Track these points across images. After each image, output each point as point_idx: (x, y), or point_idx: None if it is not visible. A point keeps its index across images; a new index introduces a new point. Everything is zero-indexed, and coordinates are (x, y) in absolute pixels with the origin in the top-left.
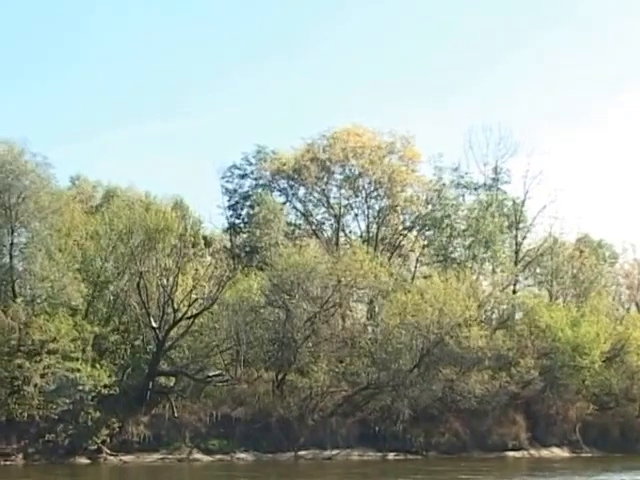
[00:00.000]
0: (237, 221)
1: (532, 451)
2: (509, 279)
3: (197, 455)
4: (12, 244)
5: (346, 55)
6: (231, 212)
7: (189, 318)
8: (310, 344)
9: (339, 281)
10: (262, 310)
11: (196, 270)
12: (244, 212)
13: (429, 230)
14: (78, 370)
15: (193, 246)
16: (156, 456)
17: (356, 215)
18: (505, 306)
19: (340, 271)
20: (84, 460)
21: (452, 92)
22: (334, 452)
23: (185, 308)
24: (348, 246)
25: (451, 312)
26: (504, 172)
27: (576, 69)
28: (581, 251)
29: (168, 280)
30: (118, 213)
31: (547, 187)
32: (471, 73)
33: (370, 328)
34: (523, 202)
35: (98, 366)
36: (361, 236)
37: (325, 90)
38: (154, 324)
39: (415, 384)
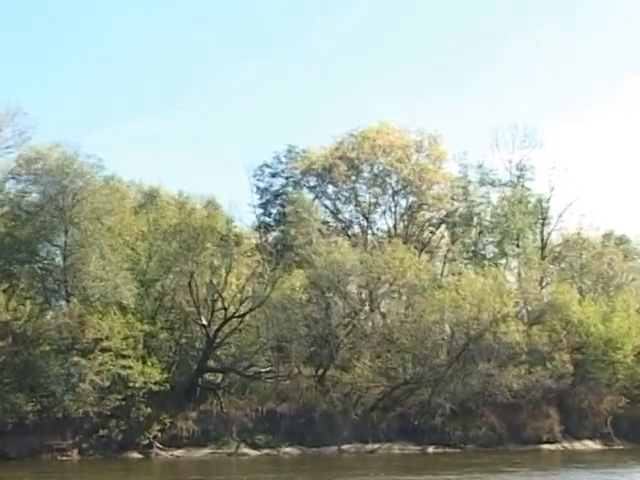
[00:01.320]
0: (267, 219)
1: (565, 444)
2: (540, 275)
3: (245, 450)
4: (66, 244)
5: (344, 50)
6: (262, 210)
7: (240, 316)
8: (350, 340)
9: (379, 278)
10: (303, 307)
11: (237, 269)
12: (275, 210)
13: (459, 227)
14: (130, 367)
15: (237, 245)
16: (205, 451)
17: (384, 212)
18: (538, 302)
19: (380, 268)
20: (136, 455)
21: (449, 88)
22: (375, 446)
23: (236, 306)
24: (376, 243)
25: (489, 308)
26: (528, 169)
27: (575, 60)
28: (605, 246)
29: (218, 278)
30: (163, 213)
31: (572, 183)
32: (470, 67)
33: (409, 324)
34: (549, 199)
35: (149, 363)
36: (389, 233)
37: (329, 87)
38: (204, 322)
39: (454, 379)
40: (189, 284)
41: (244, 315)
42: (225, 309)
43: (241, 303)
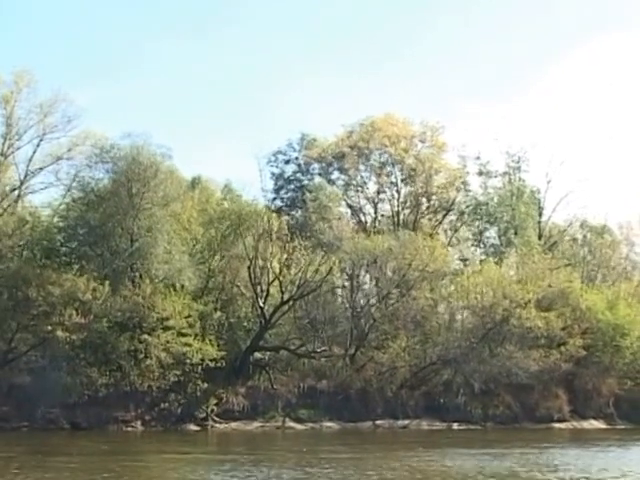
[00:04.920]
0: (280, 204)
1: (574, 423)
2: (544, 264)
3: (291, 423)
4: (135, 229)
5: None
6: (274, 195)
7: (296, 299)
8: (382, 322)
9: (409, 264)
10: (337, 290)
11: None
12: (287, 195)
13: (467, 216)
14: (189, 345)
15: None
16: (256, 424)
17: (390, 200)
18: (548, 289)
19: (411, 255)
20: (193, 427)
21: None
22: (405, 422)
23: (291, 289)
24: (385, 229)
25: (511, 294)
26: (523, 161)
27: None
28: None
29: (264, 262)
30: (209, 199)
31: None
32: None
33: (437, 308)
34: (546, 190)
35: (207, 341)
36: (393, 220)
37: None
38: (261, 304)
39: (477, 361)
40: (248, 268)
41: (299, 298)
42: (282, 292)
43: (298, 287)
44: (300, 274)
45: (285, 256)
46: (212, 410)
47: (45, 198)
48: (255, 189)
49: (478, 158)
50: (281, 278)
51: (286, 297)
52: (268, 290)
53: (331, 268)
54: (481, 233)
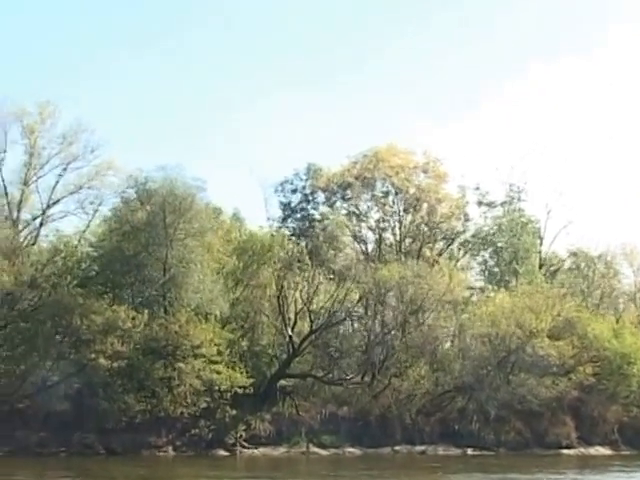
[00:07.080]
0: (287, 233)
1: (581, 449)
2: (555, 292)
3: (314, 449)
4: (169, 259)
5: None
6: (280, 224)
7: (324, 329)
8: (399, 350)
9: (427, 293)
10: (358, 319)
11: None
12: (293, 224)
13: (473, 246)
14: (219, 372)
15: (299, 261)
16: (282, 450)
17: (392, 228)
18: (557, 318)
19: (427, 284)
20: (223, 452)
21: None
22: (422, 447)
23: (320, 318)
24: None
25: (525, 323)
26: (522, 191)
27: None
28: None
29: (284, 292)
30: (230, 229)
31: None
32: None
33: (451, 336)
34: (546, 219)
35: (237, 369)
36: (396, 248)
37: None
38: (290, 333)
39: (493, 388)
40: (277, 298)
41: (327, 327)
42: (311, 321)
43: (329, 316)
44: (328, 303)
45: (312, 286)
46: (240, 436)
47: (67, 227)
48: (260, 218)
49: (478, 188)
50: (309, 307)
51: (315, 326)
52: (296, 319)
53: (360, 297)
54: (486, 262)
